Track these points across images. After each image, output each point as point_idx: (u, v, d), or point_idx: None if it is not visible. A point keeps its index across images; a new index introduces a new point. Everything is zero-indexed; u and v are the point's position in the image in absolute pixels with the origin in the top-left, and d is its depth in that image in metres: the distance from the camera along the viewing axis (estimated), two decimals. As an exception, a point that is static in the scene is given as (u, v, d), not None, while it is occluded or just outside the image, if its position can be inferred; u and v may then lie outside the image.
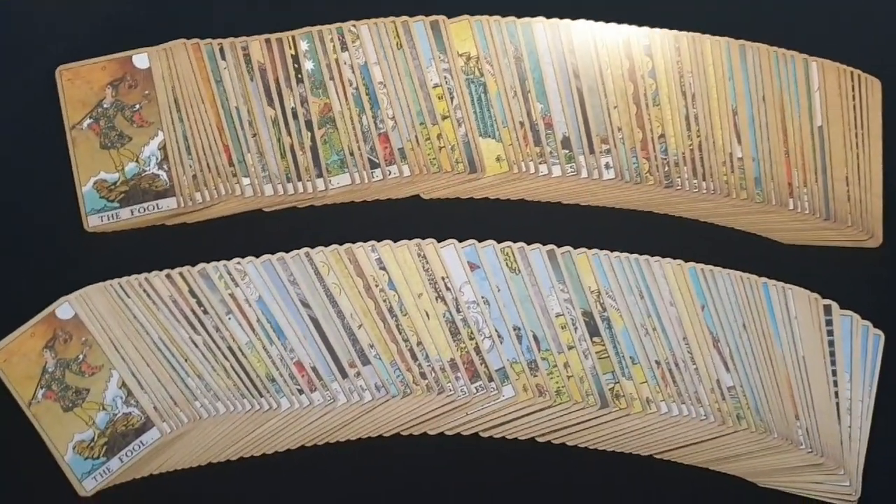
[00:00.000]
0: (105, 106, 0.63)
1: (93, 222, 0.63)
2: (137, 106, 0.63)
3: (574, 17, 0.65)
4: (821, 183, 0.64)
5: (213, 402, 0.62)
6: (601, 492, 0.62)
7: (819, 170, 0.64)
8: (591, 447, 0.62)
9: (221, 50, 0.64)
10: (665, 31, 0.65)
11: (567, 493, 0.62)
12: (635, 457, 0.62)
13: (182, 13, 0.65)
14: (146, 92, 0.64)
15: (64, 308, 0.61)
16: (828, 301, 0.63)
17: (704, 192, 0.64)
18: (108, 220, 0.63)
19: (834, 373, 0.62)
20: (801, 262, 0.64)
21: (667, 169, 0.64)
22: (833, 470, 0.61)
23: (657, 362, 0.62)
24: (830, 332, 0.62)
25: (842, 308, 0.63)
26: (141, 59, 0.64)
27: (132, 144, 0.63)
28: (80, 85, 0.64)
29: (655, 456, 0.62)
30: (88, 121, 0.63)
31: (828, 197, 0.64)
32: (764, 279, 0.63)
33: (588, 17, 0.65)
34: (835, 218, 0.64)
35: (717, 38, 0.65)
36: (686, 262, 0.63)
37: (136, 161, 0.63)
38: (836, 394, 0.62)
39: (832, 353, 0.62)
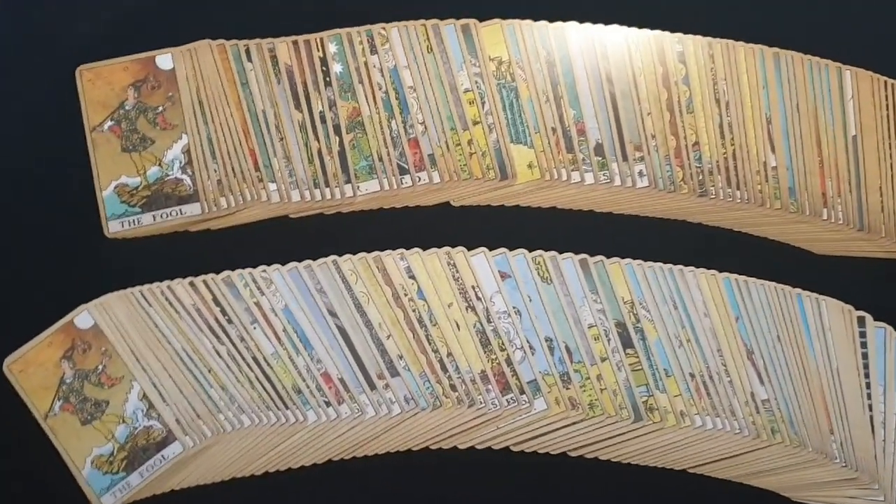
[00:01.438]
0: (127, 108, 0.63)
1: (113, 228, 0.62)
2: (160, 108, 0.63)
3: (607, 23, 0.65)
4: (855, 193, 0.65)
5: (238, 415, 0.61)
6: (634, 506, 0.62)
7: (853, 180, 0.65)
8: (623, 461, 0.62)
9: (248, 51, 0.64)
10: (698, 37, 0.65)
11: (600, 508, 0.62)
12: (668, 471, 0.62)
13: (207, 13, 0.64)
14: (170, 94, 0.63)
15: (83, 317, 0.60)
16: (861, 313, 0.63)
17: (738, 201, 0.65)
18: (130, 225, 0.62)
19: (868, 385, 0.63)
20: (834, 272, 0.65)
21: (701, 177, 0.65)
22: (867, 484, 0.62)
23: (691, 374, 0.62)
24: (864, 345, 0.63)
25: (875, 320, 0.63)
26: (164, 59, 0.63)
27: (155, 148, 0.63)
28: (101, 86, 0.63)
29: (689, 470, 0.62)
30: (109, 123, 0.63)
31: (862, 207, 0.65)
32: (798, 290, 0.63)
33: (621, 23, 0.65)
34: (868, 229, 0.65)
35: (750, 45, 0.66)
36: (720, 272, 0.63)
37: (159, 165, 0.62)
38: (870, 406, 0.63)
39: (866, 366, 0.63)
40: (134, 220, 0.63)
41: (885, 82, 0.66)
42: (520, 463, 0.62)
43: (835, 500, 0.63)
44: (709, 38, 0.66)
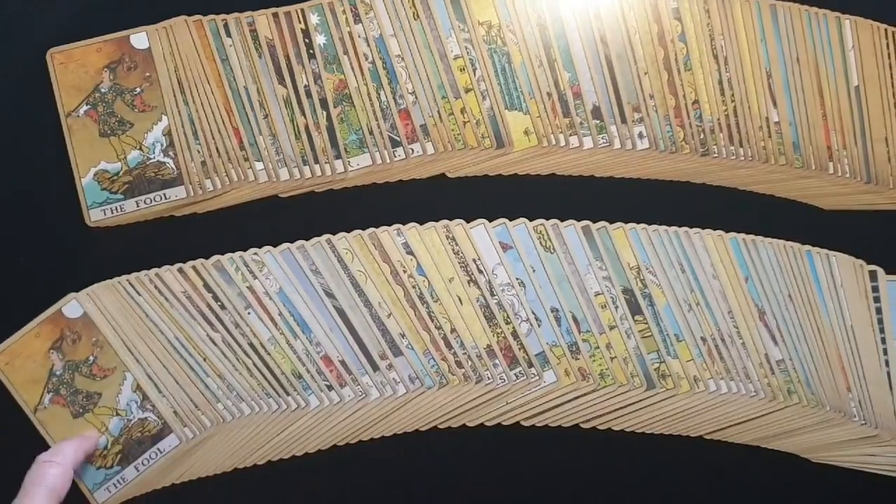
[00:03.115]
0: (103, 90, 0.62)
1: (95, 216, 0.61)
2: (138, 89, 0.62)
3: (598, -19, 0.64)
4: (860, 145, 0.65)
5: (237, 404, 0.60)
6: (649, 476, 0.62)
7: (858, 131, 0.65)
8: (638, 431, 0.62)
9: (226, 26, 0.63)
10: (693, -8, 0.65)
11: (615, 479, 0.61)
12: (684, 439, 0.62)
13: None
14: (147, 74, 0.62)
15: (72, 306, 0.59)
16: (873, 267, 0.63)
17: (742, 158, 0.64)
18: (112, 213, 0.61)
19: (883, 341, 0.63)
20: (843, 227, 0.65)
21: (702, 136, 0.64)
22: (888, 441, 0.62)
23: (703, 338, 0.62)
24: (877, 299, 0.63)
25: (887, 273, 0.63)
26: (139, 38, 0.62)
27: (134, 131, 0.62)
28: (74, 69, 0.62)
29: (705, 437, 0.62)
30: (85, 107, 0.61)
31: (868, 159, 0.65)
32: (807, 247, 0.63)
33: (612, -19, 0.65)
34: (876, 181, 0.65)
35: (746, -2, 0.65)
36: (726, 232, 0.63)
37: (140, 148, 0.61)
38: (887, 362, 0.62)
39: (880, 321, 0.63)
40: (116, 208, 0.61)
41: (886, 30, 0.66)
42: (531, 438, 0.62)
43: (855, 458, 0.63)
44: (704, -8, 0.65)
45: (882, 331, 0.63)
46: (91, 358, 0.60)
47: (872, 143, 0.65)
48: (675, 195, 0.65)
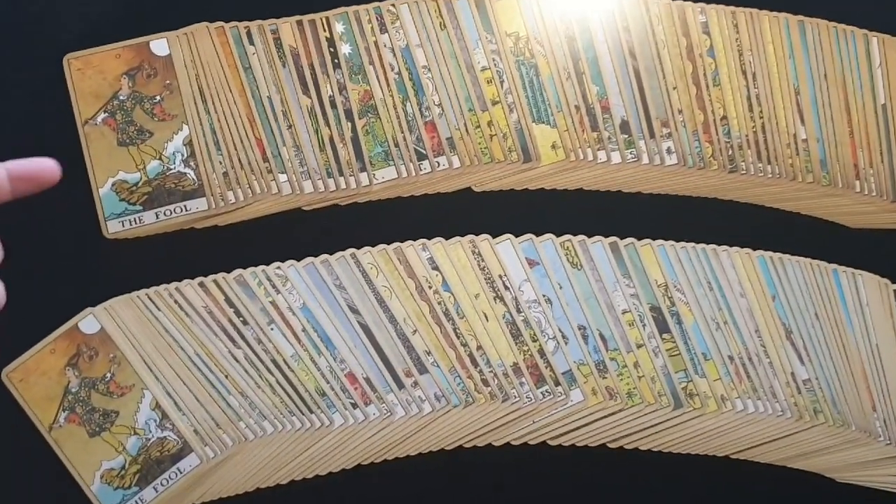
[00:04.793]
0: (121, 98, 0.61)
1: (113, 228, 0.61)
2: (158, 97, 0.61)
3: (626, -7, 0.65)
4: (886, 163, 0.66)
5: (259, 422, 0.60)
6: (675, 495, 0.62)
7: (884, 149, 0.66)
8: (664, 450, 0.62)
9: (249, 34, 0.62)
10: (721, 6, 0.66)
11: (642, 498, 0.62)
12: (710, 458, 0.63)
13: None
14: (167, 82, 0.61)
15: (88, 321, 0.59)
16: (898, 286, 0.64)
17: (769, 175, 0.65)
18: (131, 224, 0.61)
19: (908, 360, 0.64)
20: (869, 246, 0.66)
21: (730, 152, 0.65)
22: (913, 461, 0.63)
23: (730, 357, 0.63)
24: (903, 319, 0.64)
25: (912, 293, 0.64)
26: (159, 45, 0.62)
27: (154, 140, 0.61)
28: (92, 75, 0.61)
29: (731, 456, 0.63)
30: (103, 115, 0.61)
31: (894, 177, 0.66)
32: (834, 266, 0.64)
33: (641, -7, 0.65)
34: (902, 199, 0.66)
35: (775, 14, 0.66)
36: (754, 250, 0.64)
37: (160, 158, 0.61)
38: (912, 382, 0.64)
39: (905, 340, 0.64)
40: (135, 219, 0.61)
41: (913, 48, 0.67)
42: (557, 457, 0.62)
43: (880, 479, 0.64)
44: (732, 8, 0.66)
45: (907, 350, 0.65)
46: (108, 375, 0.60)
47: (899, 162, 0.67)
48: (703, 211, 0.66)
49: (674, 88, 0.66)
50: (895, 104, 0.67)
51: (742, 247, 0.65)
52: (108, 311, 0.60)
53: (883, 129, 0.67)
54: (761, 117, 0.66)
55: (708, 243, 0.65)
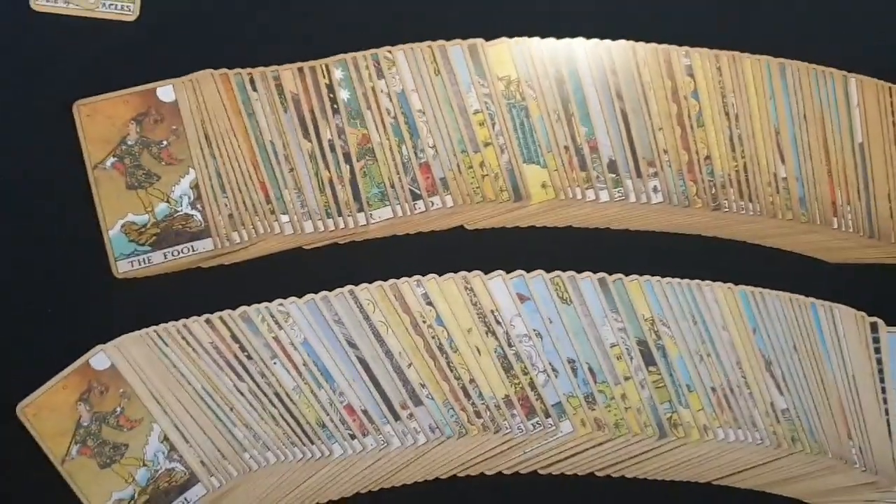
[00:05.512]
0: (129, 143, 0.64)
1: (122, 268, 0.64)
2: (165, 142, 0.64)
3: (614, 38, 0.68)
4: (863, 201, 0.69)
5: (263, 453, 0.64)
6: (661, 521, 0.66)
7: (861, 187, 0.69)
8: (649, 478, 0.66)
9: (252, 80, 0.66)
10: (705, 50, 0.69)
11: (628, 525, 0.66)
12: (693, 484, 0.66)
13: (207, 41, 0.66)
14: (173, 127, 0.65)
15: (99, 358, 0.62)
16: (874, 319, 0.68)
17: (751, 213, 0.69)
18: (140, 264, 0.64)
19: (883, 390, 0.67)
20: (846, 280, 0.70)
21: (713, 191, 0.68)
22: (887, 487, 0.66)
23: (713, 388, 0.67)
24: (878, 350, 0.68)
25: (888, 325, 0.67)
26: (166, 91, 0.65)
27: (161, 183, 0.64)
28: (101, 121, 0.64)
29: (713, 482, 0.66)
30: (112, 159, 0.64)
31: (871, 214, 0.69)
32: (812, 299, 0.68)
33: (628, 37, 0.68)
34: (878, 235, 0.69)
35: (756, 56, 0.69)
36: (736, 285, 0.67)
37: (167, 201, 0.64)
38: (887, 411, 0.67)
39: (880, 371, 0.68)
40: (144, 259, 0.64)
41: (890, 89, 0.71)
42: (547, 484, 0.66)
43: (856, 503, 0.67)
44: (715, 51, 0.69)
45: (882, 381, 0.68)
46: (118, 409, 0.63)
47: (875, 199, 0.70)
48: (688, 248, 0.69)
49: (659, 129, 0.69)
50: (872, 143, 0.70)
51: (725, 282, 0.68)
52: (118, 347, 0.63)
53: (860, 167, 0.70)
54: (743, 157, 0.70)
55: (692, 279, 0.68)
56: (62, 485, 0.63)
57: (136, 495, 0.64)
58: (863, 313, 0.69)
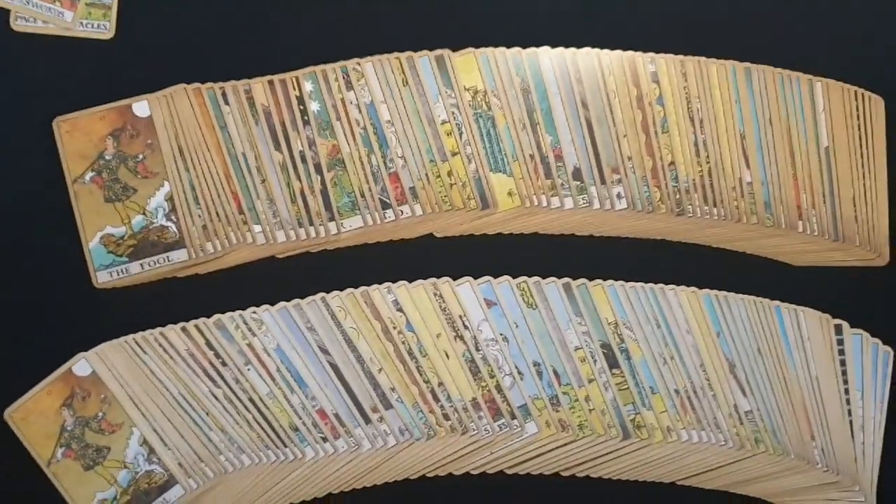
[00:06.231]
0: (107, 157, 0.67)
1: (102, 278, 0.67)
2: (140, 156, 0.67)
3: (579, 45, 0.70)
4: (828, 204, 0.71)
5: (238, 456, 0.67)
6: (626, 520, 0.68)
7: (827, 191, 0.71)
8: (614, 478, 0.68)
9: (224, 94, 0.68)
10: (671, 56, 0.70)
11: (593, 524, 0.68)
12: (657, 484, 0.68)
13: (181, 57, 0.68)
14: (148, 141, 0.67)
15: (81, 365, 0.66)
16: (838, 321, 0.69)
17: (715, 218, 0.70)
18: (118, 275, 0.67)
19: (846, 391, 0.69)
20: (811, 283, 0.71)
21: (678, 196, 0.70)
22: (849, 487, 0.68)
23: (676, 391, 0.68)
24: (842, 352, 0.69)
25: (852, 326, 0.69)
26: (141, 106, 0.68)
27: (138, 196, 0.67)
28: (80, 136, 0.67)
29: (677, 482, 0.68)
30: (90, 174, 0.67)
31: (836, 218, 0.71)
32: (776, 302, 0.69)
33: (593, 45, 0.70)
34: (843, 239, 0.71)
35: (722, 61, 0.70)
36: (700, 289, 0.69)
37: (143, 213, 0.67)
38: (849, 412, 0.69)
39: (844, 372, 0.69)
40: (122, 270, 0.67)
41: (856, 92, 0.71)
42: (514, 484, 0.68)
43: (818, 503, 0.69)
44: (681, 56, 0.70)
45: (846, 382, 0.70)
46: (100, 414, 0.67)
47: (840, 203, 0.71)
48: (652, 253, 0.71)
49: (624, 136, 0.71)
50: (838, 147, 0.71)
51: (689, 286, 0.70)
52: (99, 355, 0.67)
53: (826, 171, 0.71)
54: (708, 162, 0.71)
55: (657, 283, 0.70)
56: (49, 486, 0.67)
57: (118, 496, 0.67)
58: (827, 315, 0.70)
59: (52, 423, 0.67)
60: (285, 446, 0.68)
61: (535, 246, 0.71)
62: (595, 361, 0.69)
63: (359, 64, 0.70)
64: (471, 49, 0.70)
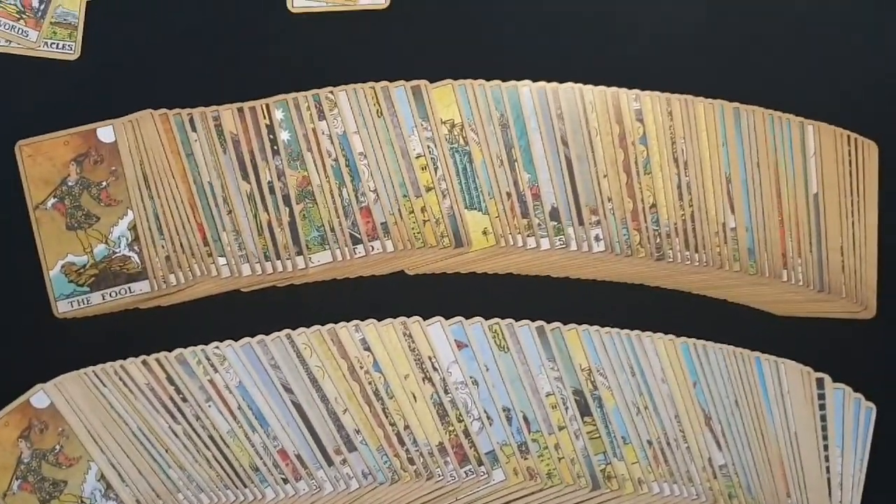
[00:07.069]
0: (70, 184, 0.66)
1: (62, 308, 0.66)
2: (104, 183, 0.66)
3: (562, 80, 0.68)
4: (815, 253, 0.69)
5: (197, 494, 0.66)
6: (592, 570, 0.67)
7: (814, 239, 0.69)
8: (582, 528, 0.67)
9: (191, 120, 0.66)
10: (656, 93, 0.68)
11: (558, 574, 0.67)
12: (627, 535, 0.67)
13: (148, 81, 0.66)
14: (113, 168, 0.66)
15: (39, 396, 0.65)
16: (820, 374, 0.68)
17: (697, 263, 0.68)
18: (79, 305, 0.66)
19: (826, 447, 0.67)
20: (793, 334, 0.70)
21: (658, 240, 0.68)
22: (823, 545, 0.67)
23: (649, 441, 0.67)
24: (823, 406, 0.67)
25: (834, 380, 0.67)
26: (106, 132, 0.66)
27: (100, 224, 0.66)
28: (42, 161, 0.66)
29: (647, 534, 0.67)
30: (53, 200, 0.66)
31: (822, 267, 0.69)
32: (756, 353, 0.68)
33: (576, 80, 0.68)
34: (829, 289, 0.69)
35: (710, 100, 0.68)
36: (678, 336, 0.67)
37: (106, 242, 0.66)
38: (828, 469, 0.67)
39: (824, 427, 0.67)
40: (83, 300, 0.66)
41: (849, 137, 0.69)
42: (478, 532, 0.67)
43: (791, 560, 0.68)
44: (667, 94, 0.68)
45: (825, 437, 0.68)
46: (57, 447, 0.66)
47: (828, 252, 0.69)
48: (630, 298, 0.69)
49: (604, 176, 0.69)
50: (827, 194, 0.69)
51: (667, 333, 0.68)
52: (58, 387, 0.66)
53: (814, 218, 0.69)
54: (691, 206, 0.69)
55: (634, 329, 0.68)
56: (3, 518, 0.66)
57: (74, 530, 0.67)
58: (809, 368, 0.68)
59: (8, 455, 0.66)
60: (245, 486, 0.67)
61: (508, 287, 0.69)
62: (567, 408, 0.68)
63: (332, 92, 0.68)
64: (449, 80, 0.68)
